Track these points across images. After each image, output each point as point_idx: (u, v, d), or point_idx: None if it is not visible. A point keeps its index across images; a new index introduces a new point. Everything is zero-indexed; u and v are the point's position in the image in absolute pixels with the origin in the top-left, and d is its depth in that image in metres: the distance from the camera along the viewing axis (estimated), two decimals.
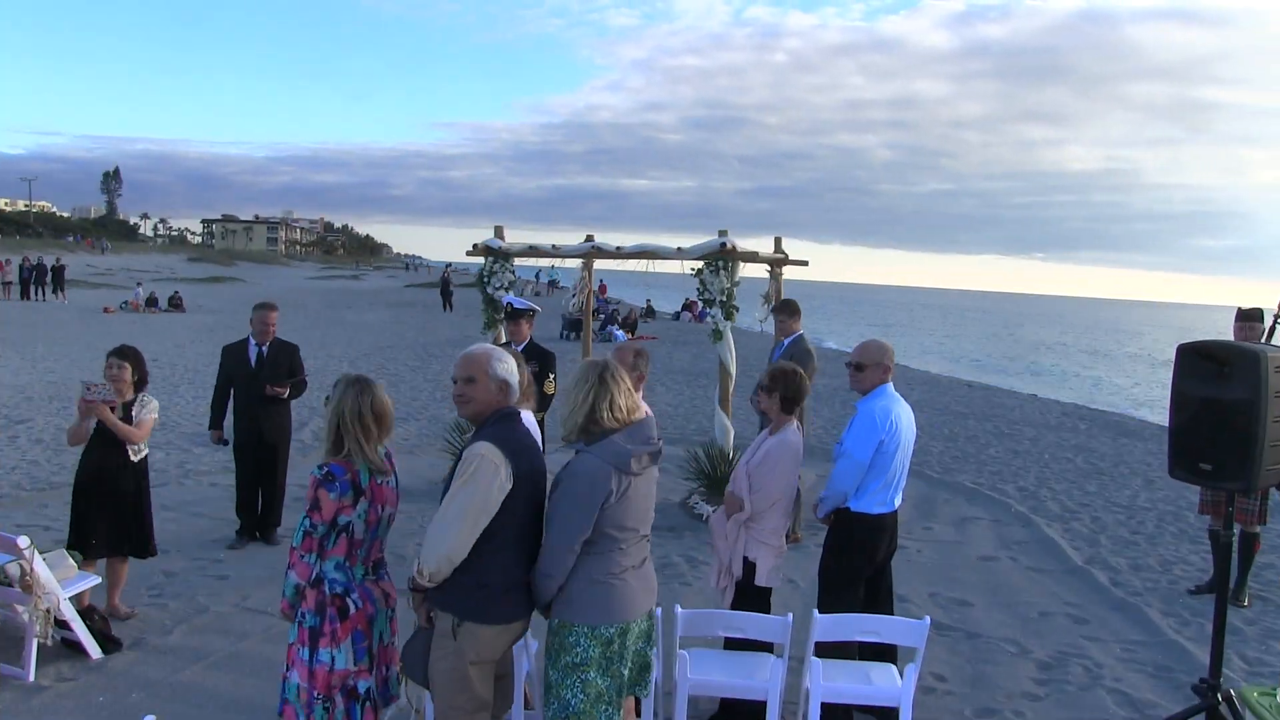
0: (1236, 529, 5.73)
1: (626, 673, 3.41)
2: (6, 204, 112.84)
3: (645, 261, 8.90)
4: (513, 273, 9.23)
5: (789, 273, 9.49)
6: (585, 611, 3.29)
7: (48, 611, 4.77)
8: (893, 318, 74.30)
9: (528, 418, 4.39)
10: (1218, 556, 4.65)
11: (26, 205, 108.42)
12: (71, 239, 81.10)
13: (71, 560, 5.19)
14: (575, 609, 3.30)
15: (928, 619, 4.14)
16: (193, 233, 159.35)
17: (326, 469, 3.43)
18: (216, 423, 7.25)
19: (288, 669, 3.52)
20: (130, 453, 5.54)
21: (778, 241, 9.34)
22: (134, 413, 5.54)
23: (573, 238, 10.00)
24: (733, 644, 4.56)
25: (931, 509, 9.09)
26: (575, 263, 10.30)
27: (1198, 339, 4.11)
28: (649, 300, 42.48)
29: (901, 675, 4.19)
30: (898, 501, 4.70)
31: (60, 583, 4.92)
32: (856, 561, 4.63)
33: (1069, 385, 27.87)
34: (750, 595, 4.51)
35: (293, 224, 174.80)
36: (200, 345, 21.79)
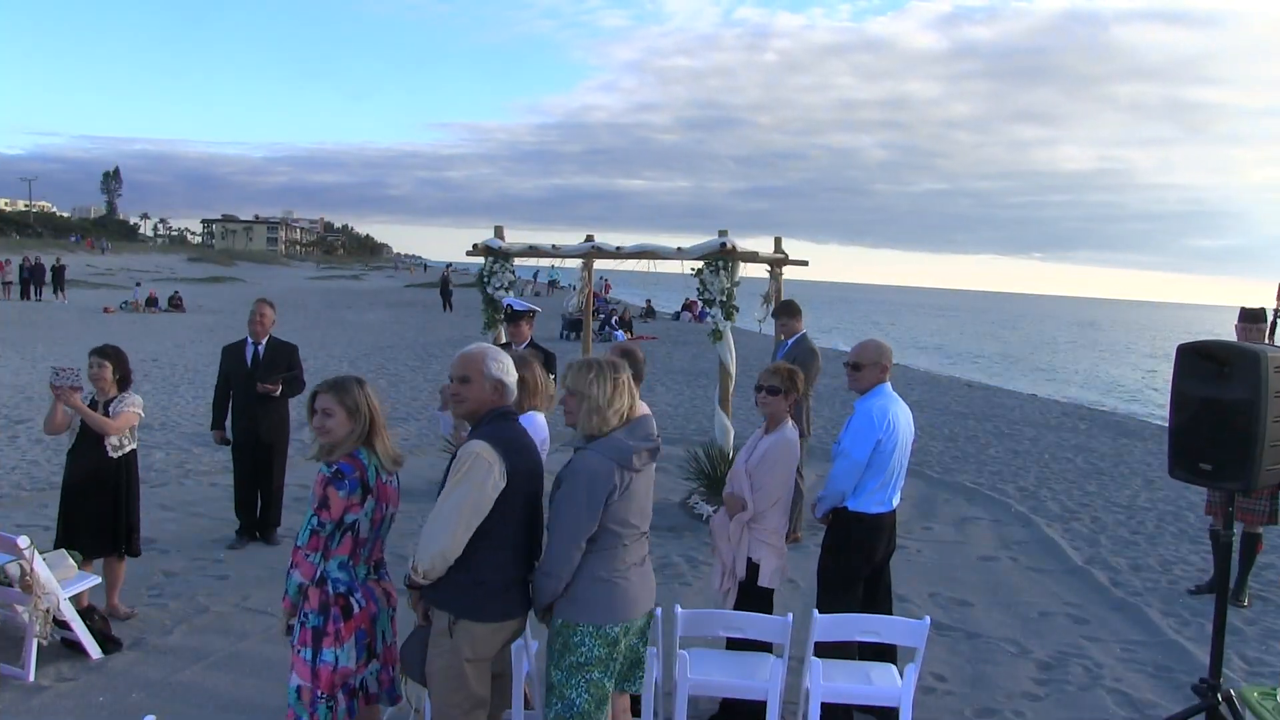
0: (1238, 529, 5.73)
1: (622, 673, 3.42)
2: (6, 204, 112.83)
3: (645, 261, 8.89)
4: (513, 273, 9.22)
5: (788, 272, 9.49)
6: (590, 611, 3.30)
7: (47, 611, 4.77)
8: (894, 317, 74.36)
9: (539, 418, 4.40)
10: (1218, 556, 4.65)
11: (26, 205, 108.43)
12: (72, 239, 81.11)
13: (71, 560, 5.19)
14: (580, 608, 3.30)
15: (928, 619, 4.14)
16: (193, 233, 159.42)
17: (336, 467, 3.43)
18: (218, 423, 7.23)
19: (291, 673, 3.53)
20: (109, 448, 5.42)
21: (778, 241, 9.34)
22: (111, 409, 5.44)
23: (571, 238, 10.01)
24: (733, 644, 4.56)
25: (931, 509, 9.09)
26: (575, 263, 10.30)
27: (1197, 339, 4.11)
28: (649, 300, 42.47)
29: (901, 675, 4.19)
30: (896, 501, 4.71)
31: (60, 583, 4.92)
32: (855, 561, 4.64)
33: (1066, 382, 27.89)
34: (753, 596, 4.51)
35: (293, 224, 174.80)
36: (200, 345, 21.79)
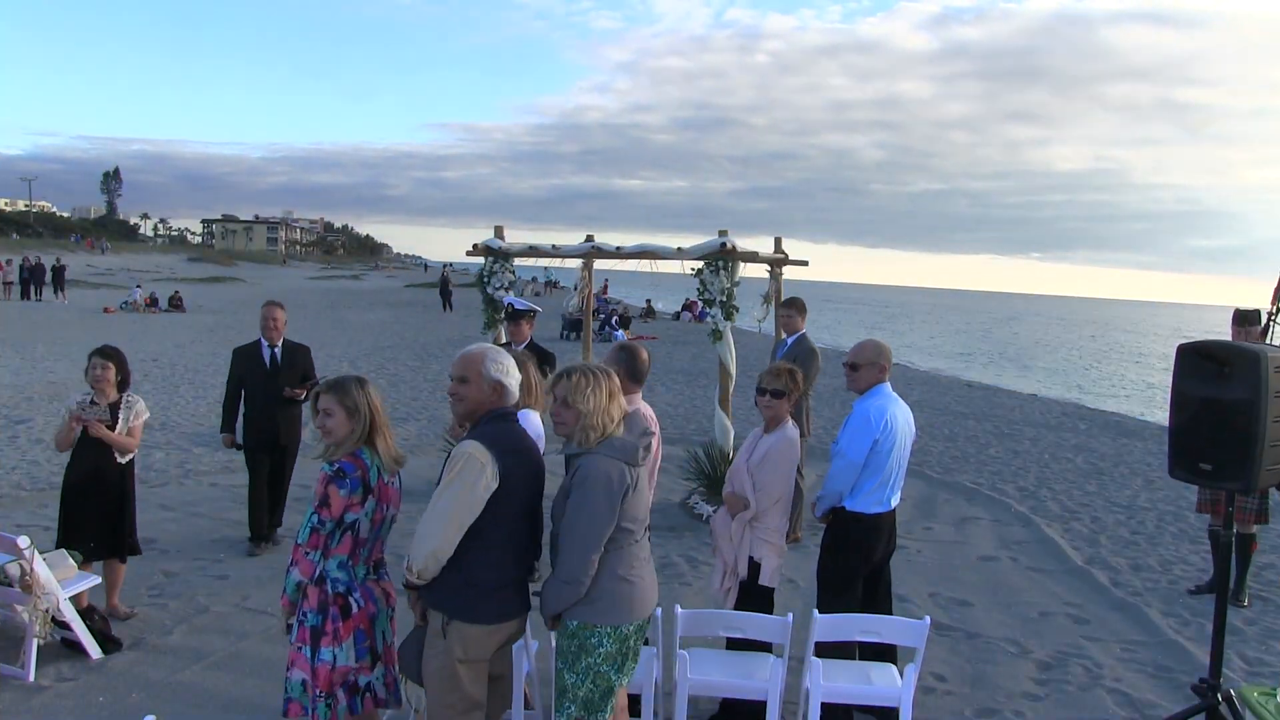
0: (1235, 528, 5.74)
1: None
2: (6, 204, 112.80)
3: (645, 261, 8.89)
4: (513, 273, 9.22)
5: (787, 272, 9.49)
6: (609, 612, 3.29)
7: (46, 611, 4.77)
8: (895, 317, 74.36)
9: (534, 417, 4.40)
10: (1218, 556, 4.66)
11: (26, 205, 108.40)
12: (72, 239, 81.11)
13: (71, 560, 5.19)
14: (599, 610, 3.29)
15: (928, 619, 4.14)
16: (193, 233, 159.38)
17: (338, 465, 3.44)
18: (228, 426, 7.11)
19: (289, 668, 3.53)
20: (117, 455, 5.50)
21: (778, 241, 9.34)
22: (120, 415, 5.48)
23: (569, 237, 10.00)
24: (732, 644, 4.56)
25: (931, 509, 9.09)
26: (575, 263, 10.29)
27: (1197, 339, 4.11)
28: (649, 300, 42.48)
29: (901, 675, 4.19)
30: (895, 501, 4.70)
31: (60, 583, 4.92)
32: (853, 561, 4.64)
33: (1063, 381, 27.89)
34: (754, 595, 4.52)
35: (293, 224, 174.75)
36: (200, 345, 21.79)
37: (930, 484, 10.21)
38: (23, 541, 4.68)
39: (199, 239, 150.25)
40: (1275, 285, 6.37)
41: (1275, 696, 3.86)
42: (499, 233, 9.23)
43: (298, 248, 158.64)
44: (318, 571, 3.46)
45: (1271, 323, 6.45)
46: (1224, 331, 6.53)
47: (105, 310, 32.58)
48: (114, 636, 5.21)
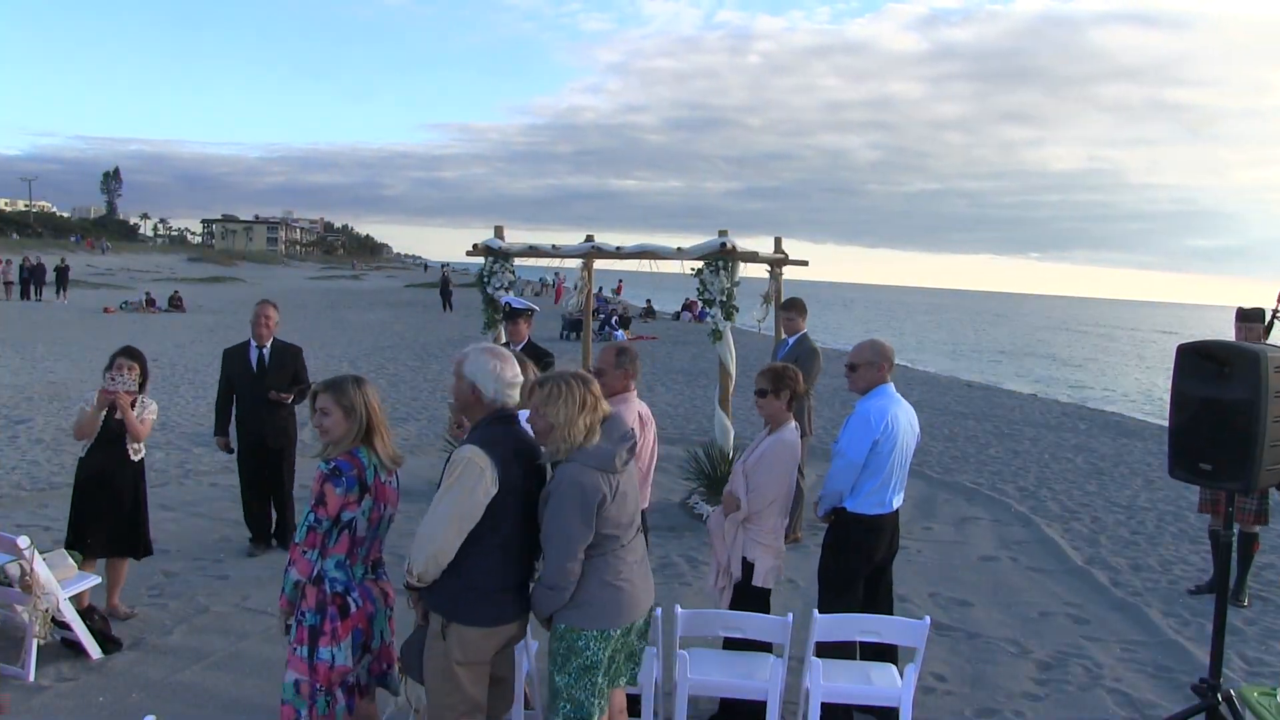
0: (1236, 528, 5.73)
1: (615, 670, 3.43)
2: (6, 204, 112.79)
3: (645, 261, 8.89)
4: (513, 273, 9.22)
5: (786, 273, 9.49)
6: (596, 617, 3.30)
7: (46, 611, 4.77)
8: (897, 318, 74.37)
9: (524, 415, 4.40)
10: (1218, 556, 4.66)
11: (26, 205, 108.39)
12: (72, 239, 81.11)
13: (71, 560, 5.19)
14: (586, 614, 3.30)
15: (928, 619, 4.14)
16: (193, 233, 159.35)
17: (334, 464, 3.44)
18: (221, 429, 7.06)
19: (286, 669, 3.53)
20: (130, 452, 5.54)
21: (778, 241, 9.34)
22: (136, 413, 5.54)
23: (567, 237, 9.99)
24: (732, 644, 4.56)
25: (931, 509, 9.09)
26: (575, 263, 10.29)
27: (1197, 339, 4.11)
28: (649, 300, 42.48)
29: (901, 675, 4.19)
30: (896, 503, 4.69)
31: (60, 583, 4.92)
32: (854, 561, 4.64)
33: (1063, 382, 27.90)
34: (749, 596, 4.51)
35: (293, 224, 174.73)
36: (200, 345, 21.79)
37: (930, 484, 10.21)
38: (22, 541, 4.68)
39: (199, 239, 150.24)
40: None
41: (1275, 696, 3.86)
42: (499, 233, 9.22)
43: (298, 248, 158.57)
44: (315, 571, 3.46)
45: (1276, 321, 6.44)
46: (1225, 332, 6.53)
47: (105, 310, 32.57)
48: (114, 636, 5.20)
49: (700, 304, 9.63)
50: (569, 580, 3.26)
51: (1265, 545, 7.34)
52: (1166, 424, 4.22)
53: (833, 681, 4.10)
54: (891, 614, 4.78)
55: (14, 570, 4.76)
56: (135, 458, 5.57)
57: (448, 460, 3.35)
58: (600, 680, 3.32)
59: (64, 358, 18.38)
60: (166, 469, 9.57)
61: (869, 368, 4.64)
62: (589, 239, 9.41)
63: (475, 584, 3.27)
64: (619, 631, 3.33)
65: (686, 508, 8.38)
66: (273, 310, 6.99)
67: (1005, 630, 5.95)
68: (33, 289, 38.09)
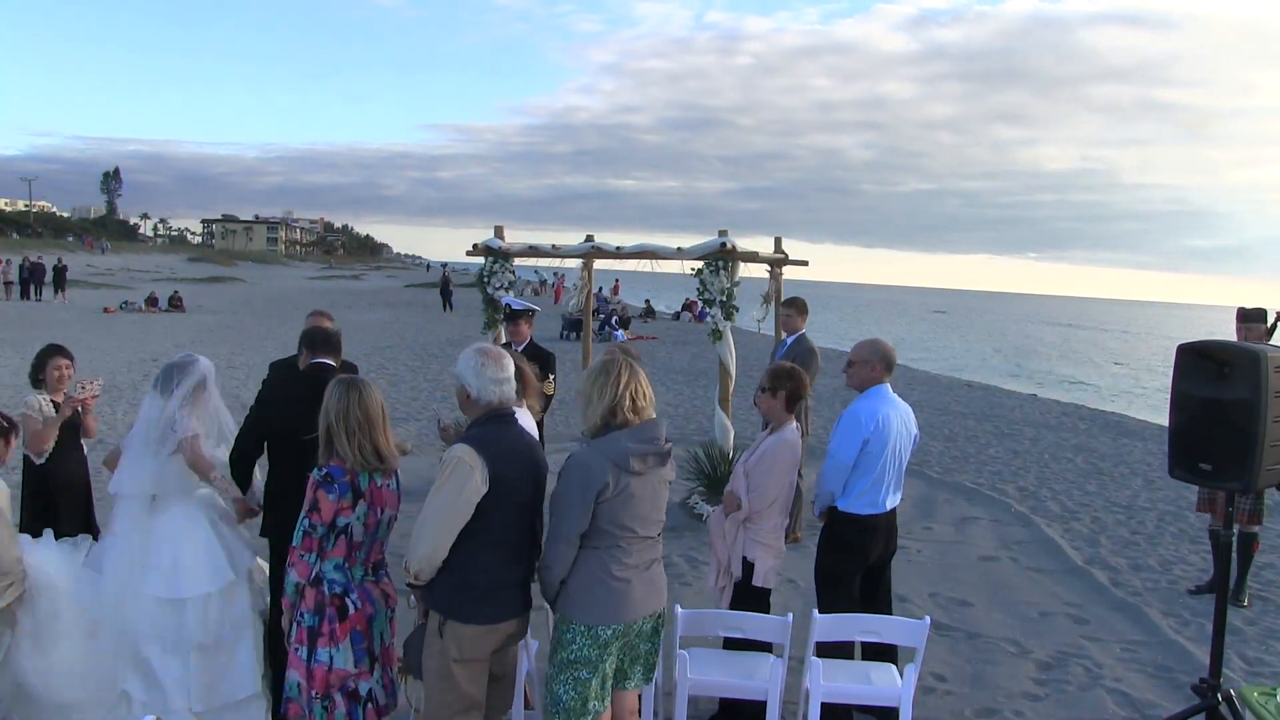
0: (1235, 529, 5.74)
1: (615, 670, 3.42)
2: (6, 204, 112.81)
3: (645, 261, 8.89)
4: (513, 273, 9.22)
5: (786, 273, 9.48)
6: (583, 610, 3.31)
7: None
8: (895, 316, 74.38)
9: (524, 414, 4.40)
10: (1218, 556, 4.66)
11: (26, 205, 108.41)
12: (72, 239, 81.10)
13: None
14: (574, 607, 3.33)
15: (928, 619, 4.15)
16: (193, 233, 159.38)
17: (325, 470, 3.45)
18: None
19: (286, 669, 3.53)
20: (85, 446, 5.57)
21: (778, 241, 9.34)
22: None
23: (566, 237, 9.98)
24: (732, 644, 4.56)
25: (931, 509, 9.09)
26: (575, 263, 10.29)
27: (1198, 339, 4.11)
28: (648, 300, 42.48)
29: (901, 675, 4.19)
30: (890, 503, 4.69)
31: None
32: (847, 560, 4.64)
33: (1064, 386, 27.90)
34: (749, 595, 4.51)
35: (293, 224, 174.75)
36: (200, 346, 21.77)
37: (930, 484, 10.20)
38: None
39: (199, 239, 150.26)
40: None
41: (1275, 696, 3.86)
42: (499, 233, 9.22)
43: (298, 247, 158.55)
44: (314, 573, 3.46)
45: (1279, 322, 6.45)
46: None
47: (105, 310, 32.57)
48: None
49: (700, 304, 9.62)
50: (557, 562, 3.30)
51: (1265, 545, 7.34)
52: (1166, 423, 4.22)
53: (833, 681, 4.10)
54: (891, 614, 4.78)
55: None
56: (88, 451, 5.62)
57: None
58: (589, 678, 3.31)
59: None
60: None
61: (862, 365, 4.67)
62: (589, 239, 9.41)
63: (471, 581, 3.28)
64: (611, 631, 3.32)
65: (686, 508, 8.38)
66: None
67: (1005, 630, 5.95)
68: (32, 289, 38.08)
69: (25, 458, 5.51)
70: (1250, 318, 6.46)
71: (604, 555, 3.32)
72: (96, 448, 9.63)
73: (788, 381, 4.62)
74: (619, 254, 8.85)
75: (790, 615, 4.17)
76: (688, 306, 39.29)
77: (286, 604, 3.53)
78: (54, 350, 5.56)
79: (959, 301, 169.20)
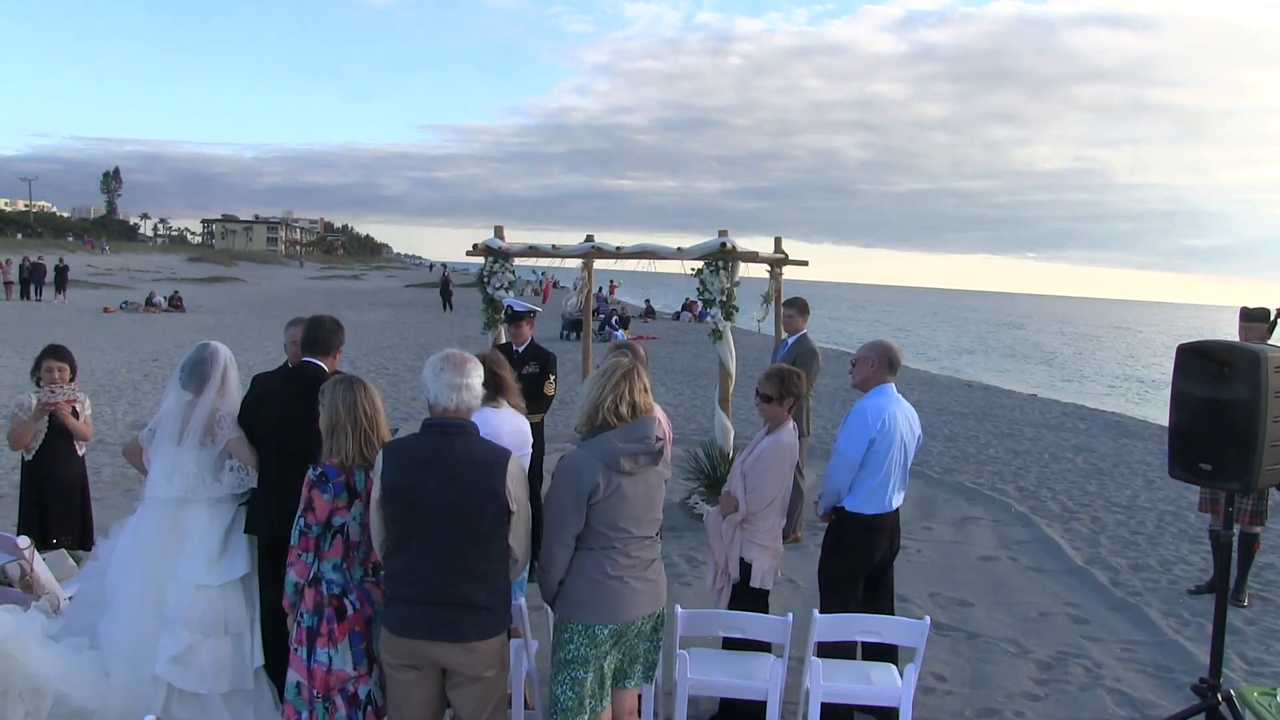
0: (1236, 529, 5.74)
1: (615, 670, 3.42)
2: (6, 204, 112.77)
3: (645, 261, 8.89)
4: (513, 273, 9.21)
5: (785, 273, 9.48)
6: (580, 610, 3.32)
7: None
8: (894, 315, 74.39)
9: (508, 415, 4.40)
10: (1218, 556, 4.66)
11: (26, 205, 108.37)
12: (72, 239, 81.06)
13: (71, 560, 5.18)
14: (572, 607, 3.33)
15: (928, 619, 4.14)
16: (193, 233, 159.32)
17: (320, 470, 3.45)
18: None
19: (289, 669, 3.53)
20: (78, 447, 5.63)
21: (778, 241, 9.34)
22: (76, 409, 5.60)
23: (565, 237, 9.97)
24: (732, 644, 4.56)
25: (931, 509, 9.09)
26: (575, 263, 10.29)
27: (1197, 339, 4.11)
28: (648, 300, 42.47)
29: (901, 675, 4.19)
30: (895, 502, 4.69)
31: (60, 582, 4.91)
32: (853, 560, 4.64)
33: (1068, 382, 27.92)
34: (747, 597, 4.51)
35: (293, 224, 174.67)
36: None
37: (930, 484, 10.20)
38: (23, 541, 4.68)
39: (199, 239, 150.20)
40: None
41: (1275, 696, 3.86)
42: (499, 233, 9.22)
43: (298, 247, 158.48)
44: (312, 573, 3.47)
45: (1279, 321, 6.45)
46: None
47: (105, 310, 32.57)
48: None
49: (700, 304, 9.61)
50: (553, 563, 3.31)
51: (1265, 545, 7.34)
52: (1165, 423, 4.22)
53: (833, 681, 4.10)
54: (893, 614, 4.78)
55: (14, 570, 4.75)
56: (81, 452, 5.65)
57: None
58: (585, 677, 3.31)
59: None
60: None
61: (864, 364, 4.69)
62: (589, 239, 9.41)
63: (388, 584, 3.35)
64: (608, 631, 3.33)
65: (686, 508, 8.38)
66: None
67: (1005, 630, 5.95)
68: (33, 289, 38.06)
69: (22, 458, 5.53)
70: (1253, 317, 6.46)
71: (600, 556, 3.32)
72: (96, 448, 9.64)
73: (793, 389, 4.62)
74: (619, 254, 8.85)
75: (790, 615, 4.17)
76: (688, 306, 39.29)
77: (286, 603, 3.53)
78: (50, 351, 5.64)
79: (959, 301, 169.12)
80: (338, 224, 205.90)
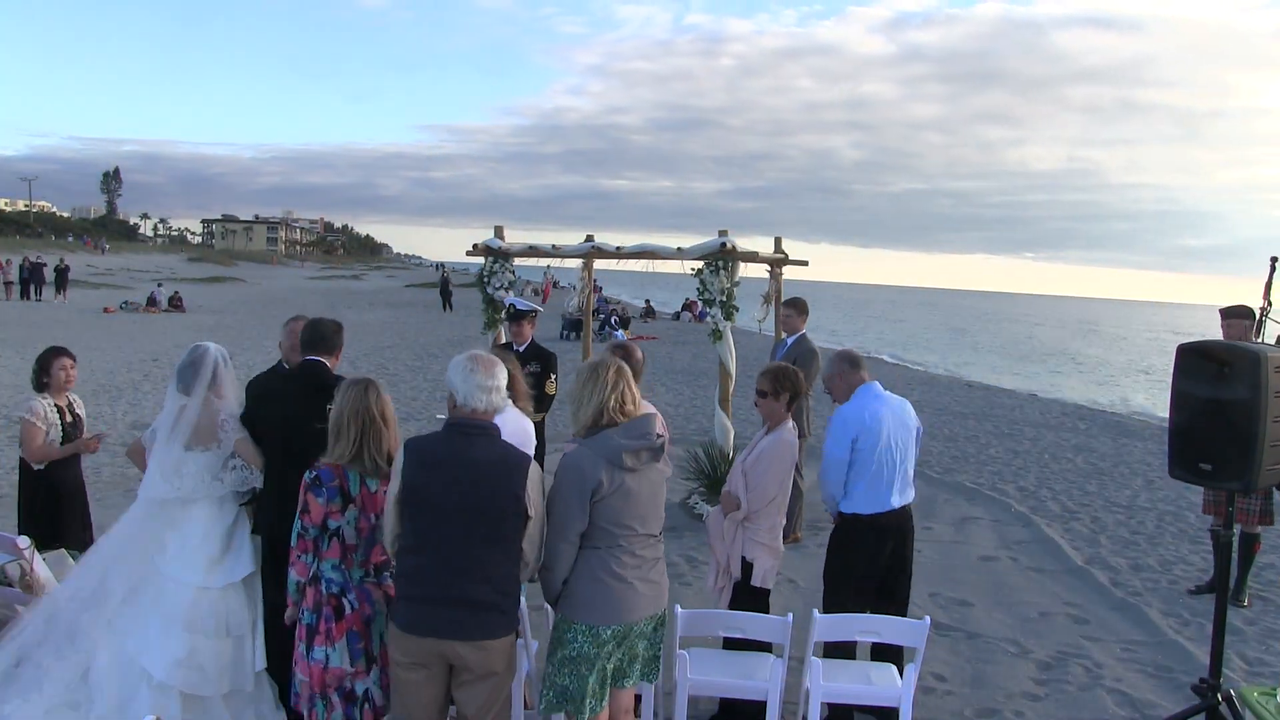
0: (1237, 529, 5.73)
1: (615, 669, 3.42)
2: (6, 204, 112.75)
3: (645, 261, 8.89)
4: (513, 273, 9.21)
5: (785, 273, 9.48)
6: (584, 610, 3.32)
7: None
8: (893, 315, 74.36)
9: (512, 415, 4.40)
10: (1218, 556, 4.66)
11: (26, 205, 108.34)
12: (72, 239, 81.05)
13: (71, 560, 5.18)
14: (575, 607, 3.33)
15: (928, 619, 4.14)
16: (193, 233, 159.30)
17: (315, 473, 3.46)
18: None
19: (294, 667, 3.55)
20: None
21: (778, 241, 9.33)
22: (79, 413, 5.70)
23: (563, 237, 9.97)
24: (732, 644, 4.56)
25: (931, 509, 9.09)
26: (575, 263, 10.29)
27: (1198, 339, 4.11)
28: (648, 300, 42.47)
29: (901, 675, 4.19)
30: (897, 500, 4.65)
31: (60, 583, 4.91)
32: (854, 560, 4.63)
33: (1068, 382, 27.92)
34: (748, 595, 4.51)
35: (293, 224, 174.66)
36: None
37: (930, 484, 10.20)
38: (23, 542, 4.67)
39: (199, 239, 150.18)
40: (1265, 282, 6.34)
41: (1275, 696, 3.86)
42: (499, 233, 9.22)
43: (298, 248, 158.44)
44: (312, 572, 3.48)
45: (1264, 318, 6.41)
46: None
47: (105, 310, 32.57)
48: None
49: (700, 304, 9.62)
50: (558, 562, 3.31)
51: (1265, 545, 7.34)
52: (1165, 423, 4.22)
53: (833, 681, 4.10)
54: (905, 615, 4.76)
55: (14, 570, 4.75)
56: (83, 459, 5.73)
57: None
58: (589, 676, 3.32)
59: None
60: None
61: (832, 381, 4.75)
62: (589, 239, 9.41)
63: (399, 582, 3.33)
64: (611, 631, 3.33)
65: (686, 507, 8.38)
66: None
67: (1005, 630, 5.95)
68: (33, 289, 38.04)
69: (22, 462, 5.53)
70: (1232, 314, 6.38)
71: (605, 555, 3.32)
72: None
73: (787, 383, 4.62)
74: (619, 254, 8.85)
75: (790, 615, 4.17)
76: (688, 306, 39.30)
77: (290, 602, 3.55)
78: (57, 351, 5.64)
79: (960, 302, 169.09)
80: (337, 224, 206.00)
